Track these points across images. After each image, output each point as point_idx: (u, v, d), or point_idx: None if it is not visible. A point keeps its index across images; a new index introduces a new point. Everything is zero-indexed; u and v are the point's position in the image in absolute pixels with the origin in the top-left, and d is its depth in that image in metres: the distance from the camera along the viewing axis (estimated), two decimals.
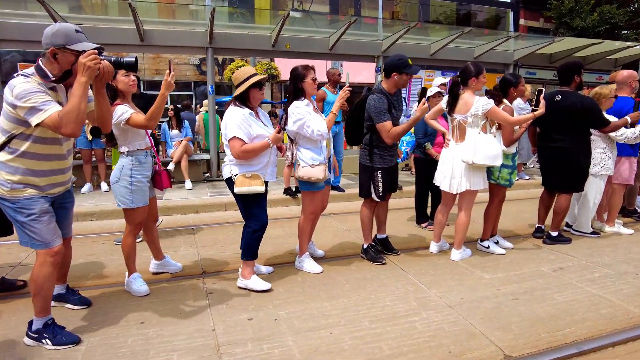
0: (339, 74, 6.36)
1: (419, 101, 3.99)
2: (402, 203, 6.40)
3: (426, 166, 4.89)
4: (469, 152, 3.57)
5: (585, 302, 3.10)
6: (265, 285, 3.23)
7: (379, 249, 4.10)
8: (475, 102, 3.56)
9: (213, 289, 3.31)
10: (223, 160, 3.49)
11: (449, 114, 3.76)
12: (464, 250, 4.02)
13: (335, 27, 8.23)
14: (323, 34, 8.39)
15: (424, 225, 5.12)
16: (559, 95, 4.23)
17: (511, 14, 12.12)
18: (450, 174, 3.74)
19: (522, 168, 8.22)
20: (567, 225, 4.96)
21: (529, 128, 4.61)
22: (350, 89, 3.35)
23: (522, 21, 21.54)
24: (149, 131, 3.20)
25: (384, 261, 3.88)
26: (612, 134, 4.35)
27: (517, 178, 4.27)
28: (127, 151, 3.04)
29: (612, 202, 4.84)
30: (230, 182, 3.18)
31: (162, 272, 3.59)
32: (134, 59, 2.41)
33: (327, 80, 6.40)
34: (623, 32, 17.09)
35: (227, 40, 7.69)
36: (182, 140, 7.18)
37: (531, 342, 2.56)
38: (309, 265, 3.67)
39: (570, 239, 4.53)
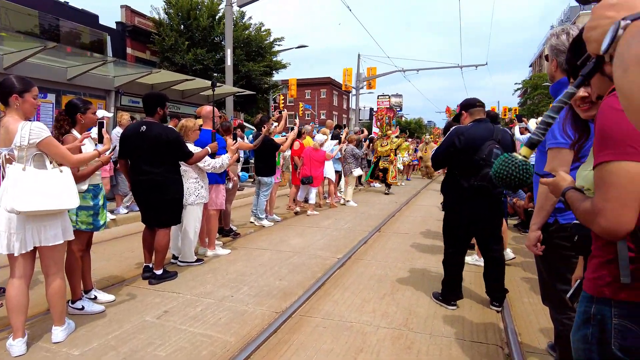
0: None
1: None
2: None
3: None
4: (9, 197, 2.59)
5: (188, 348, 2.89)
6: None
7: None
8: (20, 129, 2.67)
9: None
10: None
11: None
12: (68, 325, 3.05)
13: None
14: None
15: None
16: (144, 126, 4.02)
17: (109, 38, 11.60)
18: (7, 229, 2.68)
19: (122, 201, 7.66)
20: (174, 257, 4.87)
21: (119, 161, 4.19)
22: None
23: (129, 50, 21.62)
24: None
25: None
26: (200, 164, 4.55)
27: (107, 219, 3.65)
28: None
29: (210, 227, 5.13)
30: None
31: None
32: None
33: None
34: (214, 74, 20.11)
35: None
36: None
37: None
38: None
39: (176, 272, 4.40)
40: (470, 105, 3.63)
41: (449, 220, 3.70)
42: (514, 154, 1.04)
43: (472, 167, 3.39)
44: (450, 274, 3.68)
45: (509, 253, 4.93)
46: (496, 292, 3.62)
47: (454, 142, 3.47)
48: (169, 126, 4.31)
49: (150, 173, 4.02)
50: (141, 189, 4.12)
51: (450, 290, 3.68)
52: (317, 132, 9.89)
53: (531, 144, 0.98)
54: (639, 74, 0.52)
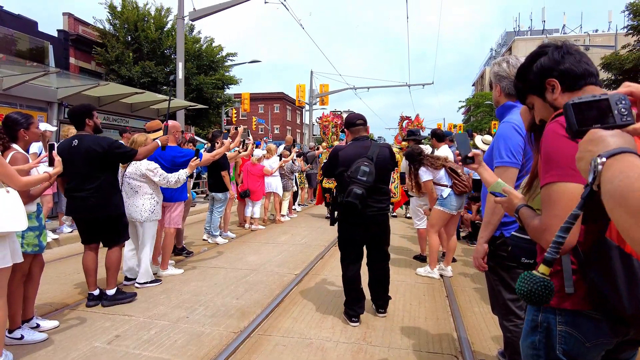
0: None
1: None
2: None
3: None
4: None
5: None
6: None
7: None
8: None
9: None
10: None
11: None
12: (5, 357, 2.81)
13: None
14: None
15: None
16: (76, 140, 3.86)
17: (51, 47, 11.01)
18: None
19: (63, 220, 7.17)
20: (127, 278, 4.64)
21: (57, 179, 3.97)
22: None
23: (73, 60, 20.56)
24: None
25: None
26: (155, 179, 4.36)
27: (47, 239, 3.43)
28: None
29: (165, 246, 4.95)
30: None
31: None
32: None
33: None
34: (163, 87, 19.57)
35: None
36: None
37: None
38: None
39: (135, 293, 4.19)
40: (350, 124, 3.75)
41: (339, 236, 3.77)
42: (533, 272, 1.10)
43: (343, 184, 3.54)
44: (348, 291, 3.70)
45: (437, 271, 4.99)
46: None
47: (332, 160, 3.67)
48: (101, 136, 4.07)
49: (84, 190, 3.79)
50: (80, 208, 3.85)
51: (349, 306, 3.68)
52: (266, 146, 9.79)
53: (547, 262, 1.05)
54: None
